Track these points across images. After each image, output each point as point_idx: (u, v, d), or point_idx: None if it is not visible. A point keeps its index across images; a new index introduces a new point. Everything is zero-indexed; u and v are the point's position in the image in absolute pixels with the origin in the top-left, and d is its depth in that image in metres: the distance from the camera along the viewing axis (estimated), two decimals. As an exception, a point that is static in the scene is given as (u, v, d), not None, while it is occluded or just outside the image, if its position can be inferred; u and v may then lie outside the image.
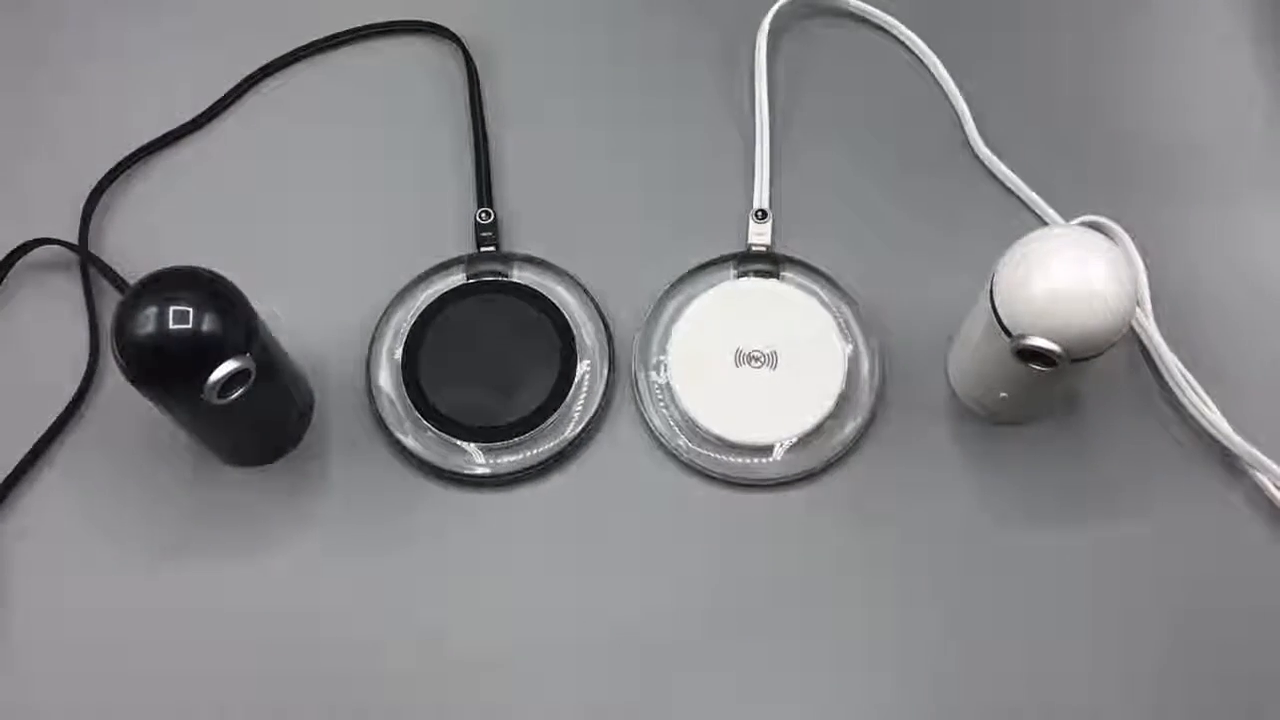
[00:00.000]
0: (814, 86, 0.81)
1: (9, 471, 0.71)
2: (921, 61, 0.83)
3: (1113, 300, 0.62)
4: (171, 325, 0.62)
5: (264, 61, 0.82)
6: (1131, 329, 0.73)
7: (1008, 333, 0.65)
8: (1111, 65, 0.83)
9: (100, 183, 0.78)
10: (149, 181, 0.79)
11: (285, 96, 0.82)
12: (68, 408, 0.73)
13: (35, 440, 0.72)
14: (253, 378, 0.64)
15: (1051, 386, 0.69)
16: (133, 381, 0.63)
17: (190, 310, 0.62)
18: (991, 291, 0.65)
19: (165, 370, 0.63)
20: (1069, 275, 0.63)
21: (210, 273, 0.64)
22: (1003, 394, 0.71)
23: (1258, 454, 0.71)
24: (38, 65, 0.82)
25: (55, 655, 0.68)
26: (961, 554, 0.70)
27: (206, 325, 0.62)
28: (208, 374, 0.62)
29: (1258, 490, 0.71)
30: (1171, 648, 0.68)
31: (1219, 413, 0.72)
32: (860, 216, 0.77)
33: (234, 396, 0.64)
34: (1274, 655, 0.68)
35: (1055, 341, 0.63)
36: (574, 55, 0.82)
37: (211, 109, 0.81)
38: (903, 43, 0.83)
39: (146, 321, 0.61)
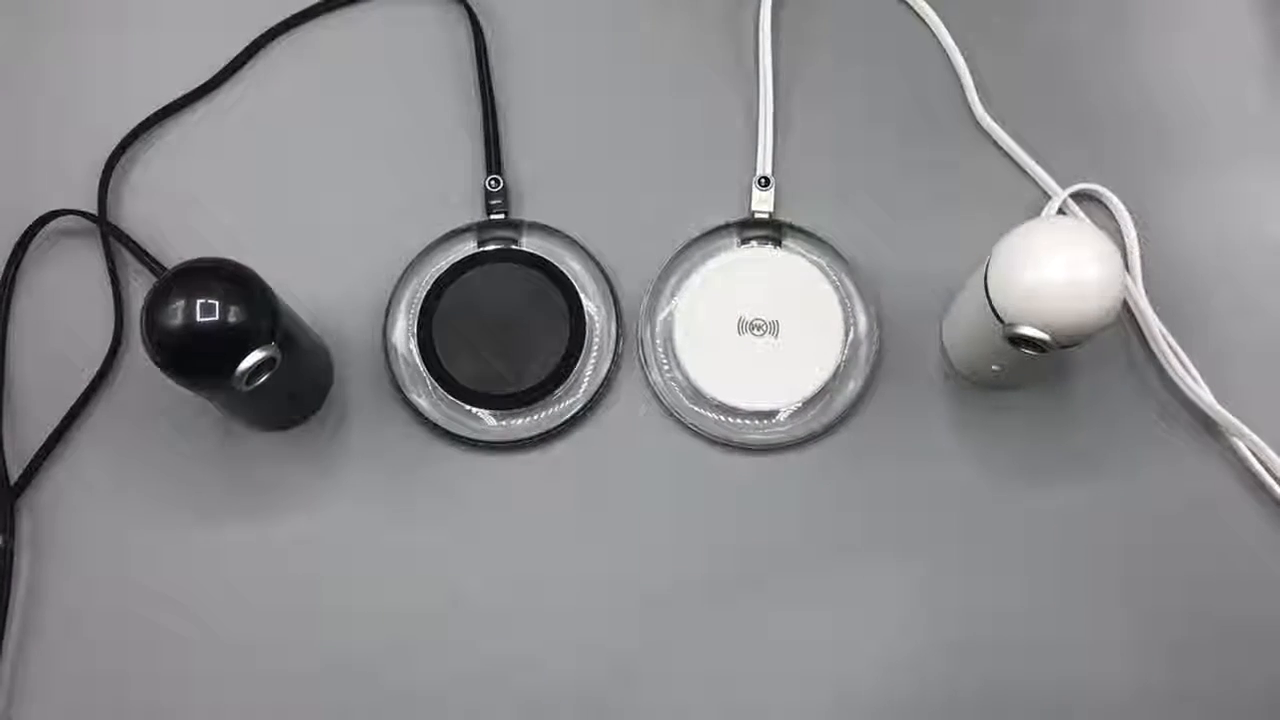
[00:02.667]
0: (817, 52, 0.80)
1: (42, 442, 0.73)
2: (926, 26, 0.81)
3: (1100, 293, 0.64)
4: (200, 318, 0.63)
5: (271, 24, 0.81)
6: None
7: (1000, 319, 0.66)
8: (1114, 33, 0.82)
9: (116, 150, 0.78)
10: (163, 147, 0.79)
11: (294, 61, 0.81)
12: (95, 378, 0.74)
13: (64, 412, 0.73)
14: (278, 364, 0.66)
15: (1042, 364, 0.71)
16: (163, 370, 0.65)
17: (218, 304, 0.63)
18: (986, 280, 0.67)
19: (195, 362, 0.64)
20: (1058, 269, 0.64)
21: (235, 265, 0.66)
22: (995, 367, 0.73)
23: (1236, 422, 0.73)
24: (46, 32, 0.81)
25: (93, 622, 0.70)
26: (957, 512, 0.72)
27: (234, 318, 0.63)
28: (235, 364, 0.64)
29: (1236, 456, 0.73)
30: (1154, 601, 0.71)
31: (1201, 381, 0.75)
32: (861, 184, 0.77)
33: (260, 382, 0.66)
34: (1248, 605, 0.71)
35: (1044, 330, 0.65)
36: (580, 21, 0.82)
37: (222, 73, 0.80)
38: (907, 4, 0.82)
39: (176, 315, 0.63)
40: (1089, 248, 0.64)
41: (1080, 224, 0.67)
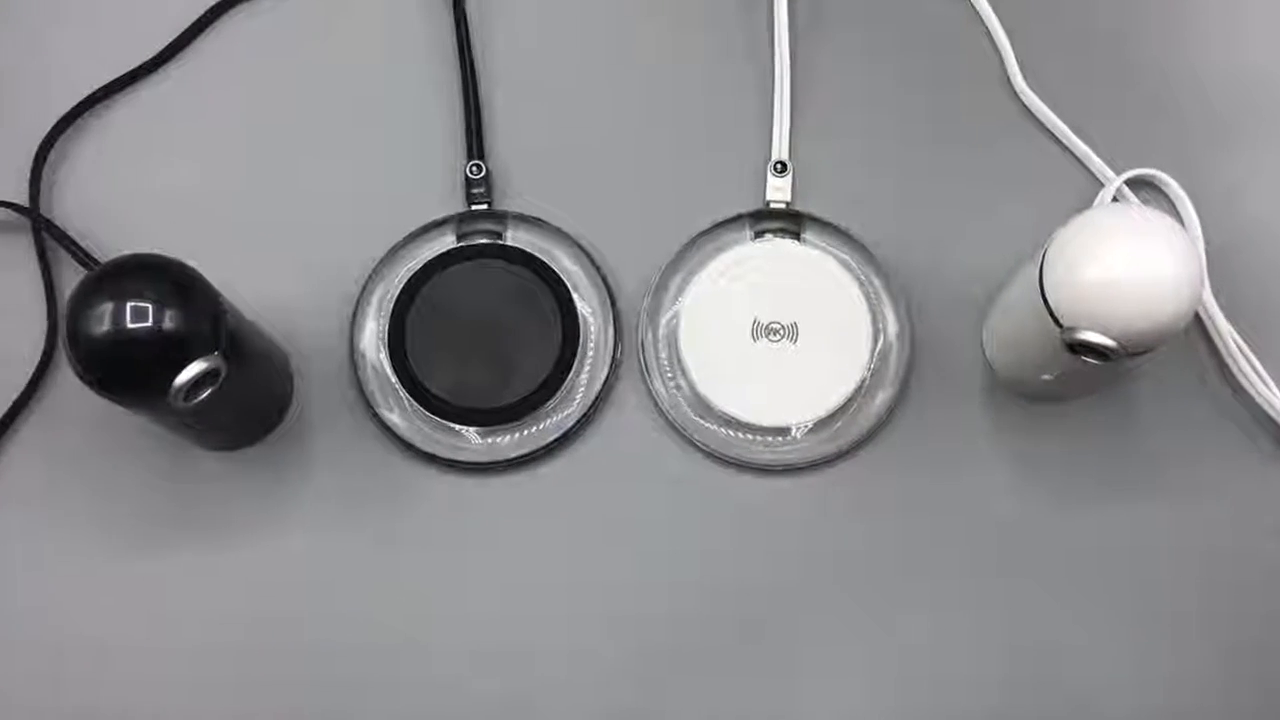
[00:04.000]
0: (839, 23, 0.75)
1: (-38, 463, 0.67)
2: (959, -9, 0.76)
3: (1176, 292, 0.57)
4: (130, 324, 0.56)
5: (226, -7, 0.75)
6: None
7: (1058, 322, 0.59)
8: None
9: (49, 135, 0.72)
10: (103, 132, 0.74)
11: (248, 35, 0.75)
12: (25, 388, 0.69)
13: (-12, 427, 0.68)
14: (223, 377, 0.59)
15: (1100, 374, 0.63)
16: (88, 385, 0.58)
17: (151, 307, 0.57)
18: (1041, 275, 0.60)
19: (125, 375, 0.58)
20: (1128, 263, 0.57)
21: (173, 261, 0.59)
22: (1046, 376, 0.66)
23: (1319, 436, 0.66)
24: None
25: (19, 662, 0.66)
26: (999, 542, 0.67)
27: (170, 324, 0.57)
28: (172, 378, 0.57)
29: (1318, 475, 0.67)
30: (1220, 637, 0.66)
31: (1276, 389, 0.68)
32: (890, 170, 0.73)
33: (203, 397, 0.59)
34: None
35: (1110, 336, 0.58)
36: (573, -11, 0.76)
37: (168, 49, 0.75)
38: (937, -32, 0.77)
39: (101, 321, 0.56)
40: (1163, 239, 0.57)
41: (1152, 212, 0.60)
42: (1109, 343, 0.58)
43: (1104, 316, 0.58)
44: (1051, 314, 0.60)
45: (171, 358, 0.57)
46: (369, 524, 0.68)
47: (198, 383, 0.58)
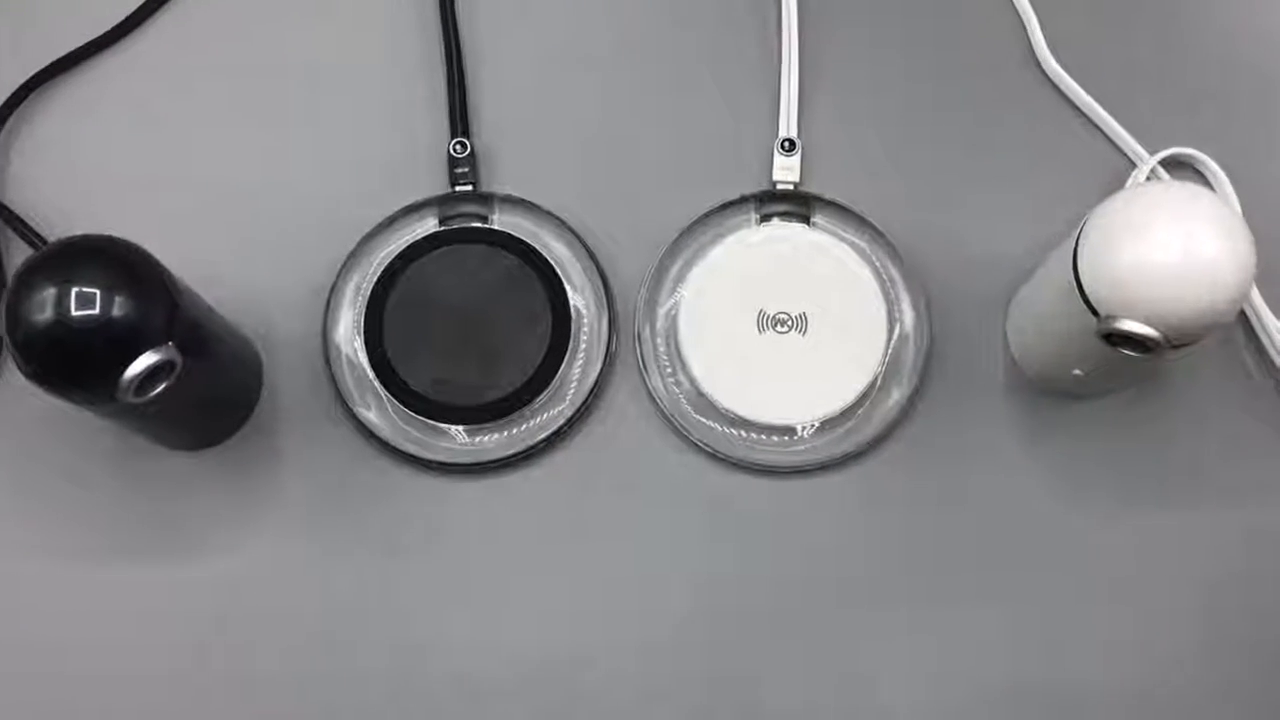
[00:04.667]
0: None
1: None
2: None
3: (1227, 278, 0.53)
4: (74, 312, 0.52)
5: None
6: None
7: (1094, 311, 0.56)
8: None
9: (1, 109, 0.69)
10: (60, 105, 0.71)
11: (218, 5, 0.73)
12: None
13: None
14: (178, 370, 0.55)
15: (1137, 369, 0.60)
16: (29, 378, 0.54)
17: (99, 293, 0.53)
18: (1075, 260, 0.56)
19: (68, 368, 0.54)
20: (1173, 245, 0.53)
21: (123, 243, 0.55)
22: (1077, 371, 0.62)
23: (1372, 436, 0.63)
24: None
25: None
26: (1025, 550, 0.65)
27: (119, 311, 0.53)
28: (120, 371, 0.53)
29: (1371, 479, 0.64)
30: (1265, 652, 0.64)
31: None
32: (906, 149, 0.70)
33: (156, 392, 0.55)
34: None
35: (1154, 326, 0.54)
36: (565, -49, 0.74)
37: (130, 19, 0.72)
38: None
39: (42, 307, 0.52)
40: (1214, 218, 0.53)
41: (1199, 189, 0.56)
42: (1152, 333, 0.54)
43: (1147, 304, 0.54)
44: (1087, 301, 0.56)
45: (120, 349, 0.53)
46: (344, 529, 0.65)
47: (150, 377, 0.54)
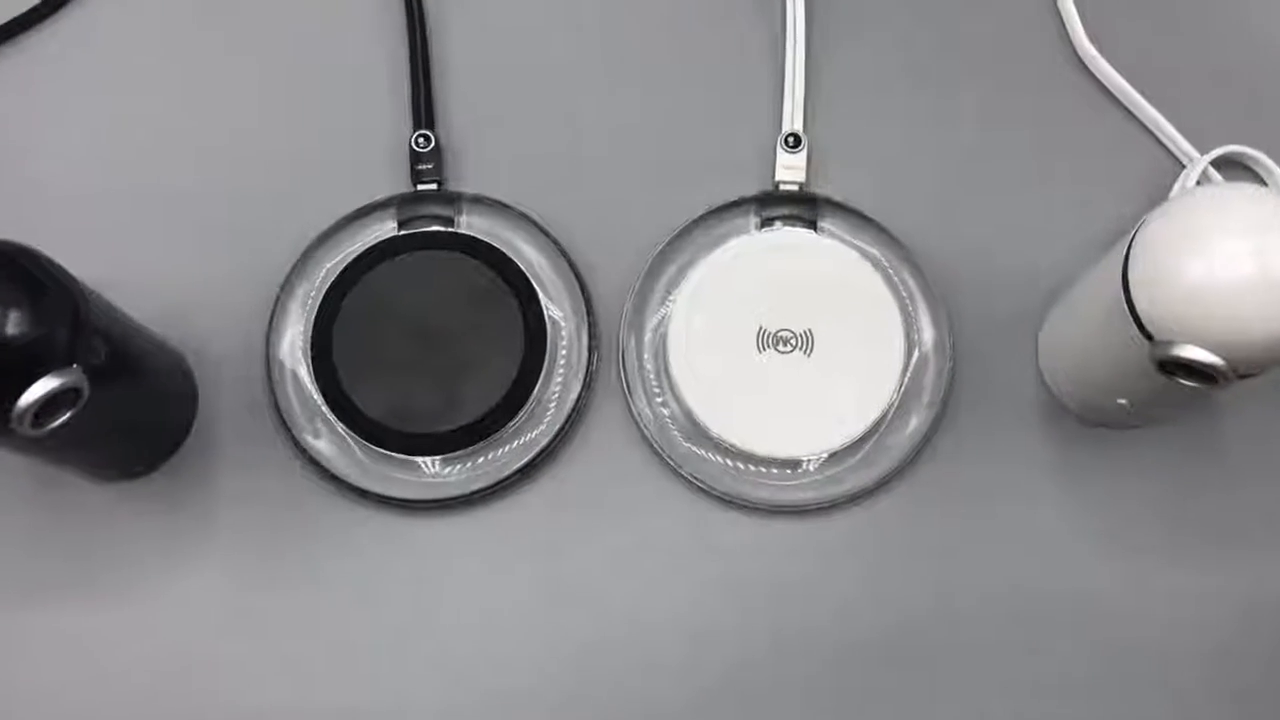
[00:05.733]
0: None
1: None
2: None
3: None
4: None
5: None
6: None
7: (1148, 335, 0.50)
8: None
9: None
10: None
11: None
12: None
13: None
14: (84, 397, 0.50)
15: (1192, 399, 0.56)
16: None
17: None
18: (1125, 275, 0.50)
19: None
20: (1244, 259, 0.48)
21: (19, 249, 0.50)
22: (1123, 401, 0.57)
23: None
24: None
25: None
26: (1060, 604, 0.61)
27: (11, 329, 0.48)
28: (14, 398, 0.48)
29: None
30: None
31: None
32: (927, 146, 0.67)
33: (59, 423, 0.50)
34: None
35: (1219, 353, 0.48)
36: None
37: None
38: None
39: None
40: None
41: (1267, 194, 0.52)
42: (1216, 361, 0.48)
43: (1212, 329, 0.48)
44: (1139, 323, 0.50)
45: (13, 373, 0.48)
46: (285, 573, 0.62)
47: (50, 405, 0.49)
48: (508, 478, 0.61)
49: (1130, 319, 0.50)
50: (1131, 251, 0.50)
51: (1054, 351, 0.62)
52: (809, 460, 0.61)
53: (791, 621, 0.60)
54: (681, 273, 0.64)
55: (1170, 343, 0.49)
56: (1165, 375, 0.50)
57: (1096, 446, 0.62)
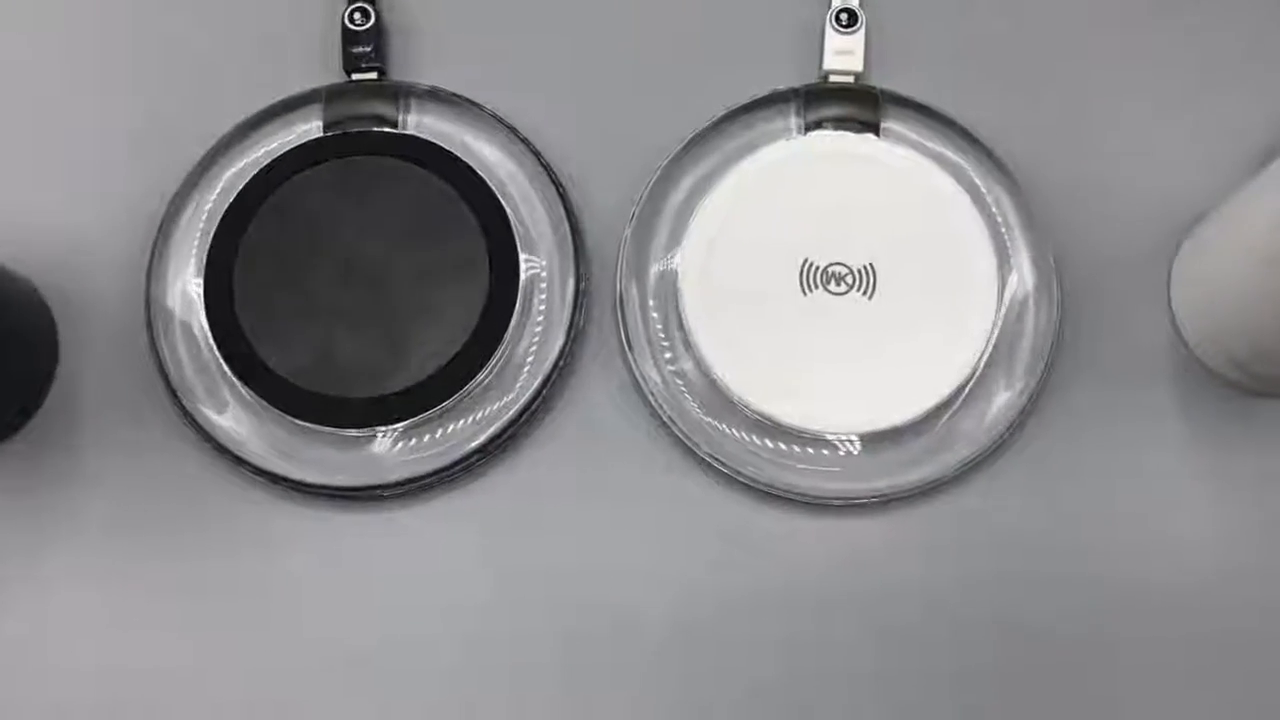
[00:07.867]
0: None
1: None
2: None
3: None
4: None
5: None
6: None
7: None
8: None
9: None
10: None
11: None
12: None
13: None
14: None
15: None
16: None
17: None
18: None
19: None
20: None
21: None
22: None
23: None
24: None
25: None
26: (1194, 612, 0.53)
27: None
28: None
29: None
30: None
31: None
32: (1022, 28, 0.59)
33: None
34: None
35: None
36: None
37: None
38: None
39: None
40: None
41: None
42: None
43: None
44: None
45: None
46: (168, 574, 0.54)
47: None
48: (466, 457, 0.54)
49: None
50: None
51: (1190, 296, 0.55)
52: (865, 438, 0.53)
53: (838, 635, 0.53)
54: (699, 191, 0.57)
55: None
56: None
57: (1245, 418, 0.55)
